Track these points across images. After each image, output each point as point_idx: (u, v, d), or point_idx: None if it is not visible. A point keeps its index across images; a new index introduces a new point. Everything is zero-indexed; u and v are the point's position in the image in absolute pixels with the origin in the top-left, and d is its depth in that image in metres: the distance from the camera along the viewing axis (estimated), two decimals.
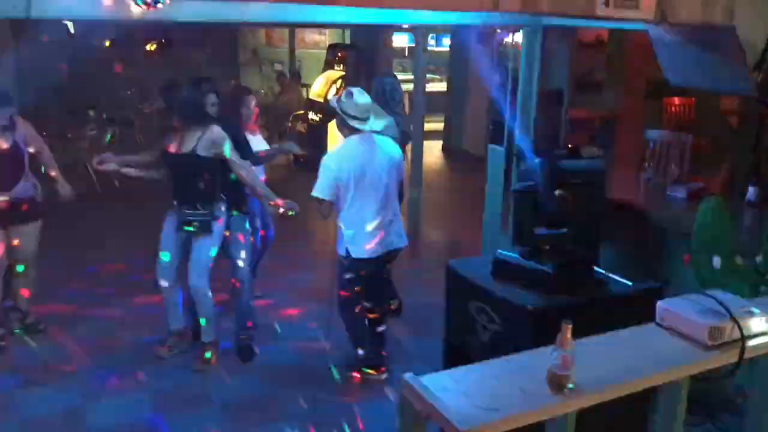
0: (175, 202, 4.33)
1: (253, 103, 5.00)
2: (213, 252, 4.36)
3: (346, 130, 4.03)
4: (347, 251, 4.08)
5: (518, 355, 2.60)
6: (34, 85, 10.11)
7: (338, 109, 4.01)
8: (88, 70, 14.06)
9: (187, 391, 4.25)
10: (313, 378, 4.36)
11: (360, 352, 4.33)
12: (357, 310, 4.22)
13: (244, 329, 4.68)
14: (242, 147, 4.47)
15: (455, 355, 3.61)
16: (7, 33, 8.35)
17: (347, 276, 4.17)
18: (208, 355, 4.49)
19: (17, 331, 4.82)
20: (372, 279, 4.21)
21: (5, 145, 4.48)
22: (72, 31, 13.97)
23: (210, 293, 4.39)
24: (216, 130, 4.21)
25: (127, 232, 7.00)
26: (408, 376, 2.40)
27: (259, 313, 4.93)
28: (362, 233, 4.03)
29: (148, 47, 16.50)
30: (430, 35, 11.44)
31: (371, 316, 4.28)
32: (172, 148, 4.25)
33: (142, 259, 6.15)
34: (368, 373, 4.30)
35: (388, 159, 4.12)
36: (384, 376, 4.30)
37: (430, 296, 5.31)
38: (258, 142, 5.02)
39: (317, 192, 3.95)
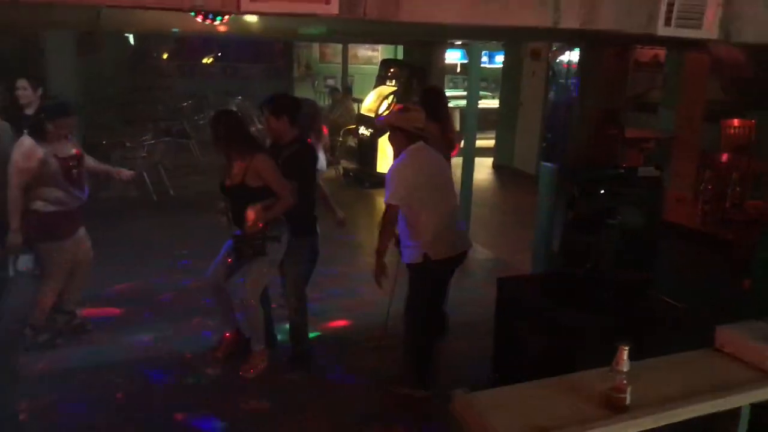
0: (234, 225, 4.38)
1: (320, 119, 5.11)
2: (271, 270, 4.41)
3: (405, 141, 4.08)
4: (425, 256, 4.05)
5: (571, 375, 2.57)
6: (95, 95, 10.49)
7: (398, 124, 4.10)
8: (146, 81, 14.51)
9: (230, 396, 4.28)
10: (358, 393, 4.35)
11: (411, 367, 4.30)
12: (422, 322, 4.21)
13: (294, 340, 4.70)
14: (307, 164, 4.52)
15: (504, 373, 3.58)
16: (73, 45, 8.63)
17: (425, 283, 4.14)
18: (254, 363, 4.53)
19: (62, 332, 4.91)
20: (443, 285, 4.26)
21: (74, 151, 4.63)
22: (132, 43, 14.45)
23: (260, 307, 4.43)
24: (260, 159, 4.26)
25: (179, 240, 7.15)
26: (459, 391, 2.40)
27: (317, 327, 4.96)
28: (440, 236, 4.06)
29: (204, 60, 16.90)
30: (483, 52, 11.42)
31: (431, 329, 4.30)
32: (227, 180, 4.32)
33: (190, 266, 6.40)
34: (414, 391, 4.25)
35: (442, 165, 4.26)
36: (429, 393, 4.25)
37: (476, 313, 5.29)
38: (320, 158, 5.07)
39: (392, 199, 3.99)
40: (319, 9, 2.38)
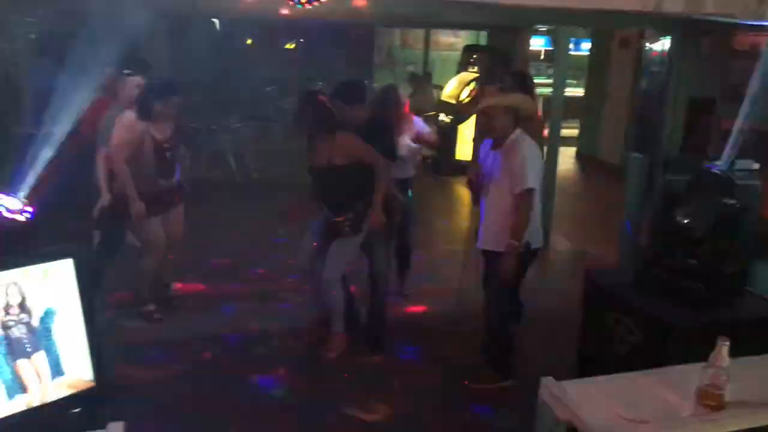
0: (321, 207, 4.46)
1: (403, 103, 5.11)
2: (354, 250, 4.46)
3: (513, 125, 3.98)
4: (527, 244, 3.94)
5: (664, 369, 2.50)
6: (183, 78, 10.83)
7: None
8: (231, 65, 14.87)
9: (313, 381, 4.37)
10: (436, 380, 4.36)
11: (498, 357, 4.26)
12: (509, 311, 4.20)
13: (376, 323, 4.74)
14: (386, 149, 4.51)
15: (589, 366, 3.52)
16: (166, 29, 8.92)
17: (516, 272, 4.00)
18: (334, 345, 4.59)
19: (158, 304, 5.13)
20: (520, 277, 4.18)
21: (169, 133, 4.78)
22: (218, 28, 14.82)
23: (341, 288, 4.48)
24: (343, 137, 4.27)
25: (262, 220, 7.32)
26: (548, 380, 2.37)
27: (394, 311, 5.00)
28: (536, 224, 4.01)
29: (287, 46, 17.17)
30: (570, 39, 11.15)
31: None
32: (311, 161, 4.37)
33: (273, 246, 6.56)
34: (495, 380, 4.24)
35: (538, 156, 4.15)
36: (509, 383, 4.22)
37: (557, 305, 5.21)
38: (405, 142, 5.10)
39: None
40: None
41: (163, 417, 3.76)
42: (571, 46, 13.37)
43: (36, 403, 1.79)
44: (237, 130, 9.92)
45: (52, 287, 1.84)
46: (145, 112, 4.60)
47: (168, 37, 8.94)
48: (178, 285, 5.36)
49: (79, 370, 1.87)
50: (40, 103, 8.43)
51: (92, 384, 1.88)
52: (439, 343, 4.81)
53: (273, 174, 9.71)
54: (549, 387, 2.33)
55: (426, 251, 6.46)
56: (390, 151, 4.62)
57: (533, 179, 3.84)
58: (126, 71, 5.20)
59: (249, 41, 16.97)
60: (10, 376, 1.75)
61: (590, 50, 12.47)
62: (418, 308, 5.44)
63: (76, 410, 1.89)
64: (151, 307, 4.99)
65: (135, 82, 4.87)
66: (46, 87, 8.51)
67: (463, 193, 9.06)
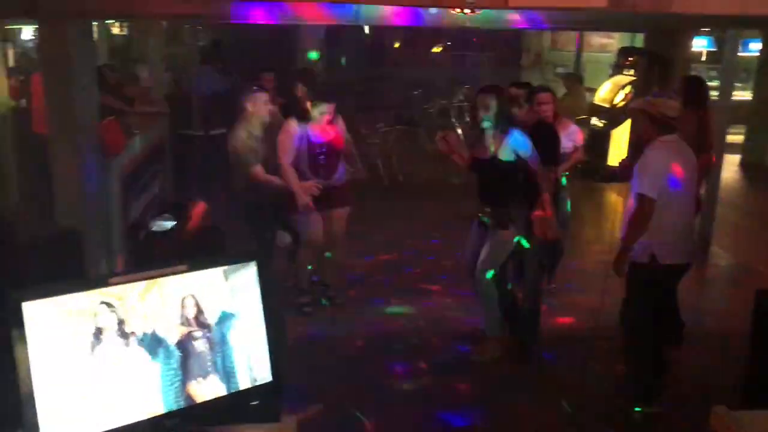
0: (480, 202, 4.51)
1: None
2: (506, 249, 4.45)
3: (652, 130, 3.85)
4: (653, 257, 3.83)
5: None
6: (335, 83, 11.23)
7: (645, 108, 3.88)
8: (379, 70, 15.22)
9: (457, 383, 4.39)
10: (587, 396, 4.24)
11: (636, 376, 4.08)
12: (642, 327, 4.00)
13: (526, 333, 4.69)
14: (548, 148, 4.49)
15: (761, 393, 3.27)
16: (322, 37, 9.29)
17: (644, 285, 3.92)
18: (485, 348, 4.59)
19: (324, 302, 5.36)
20: (666, 291, 4.03)
21: (332, 135, 5.00)
22: (367, 33, 15.23)
23: (495, 290, 4.47)
24: (516, 134, 4.29)
25: (412, 222, 7.45)
26: (721, 408, 2.25)
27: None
28: (672, 239, 3.83)
29: (433, 49, 17.31)
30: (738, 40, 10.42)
31: (660, 339, 4.05)
32: (477, 153, 4.43)
33: (423, 247, 6.66)
34: (642, 406, 3.97)
35: (692, 165, 3.92)
36: (657, 409, 3.96)
37: (720, 323, 4.91)
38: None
39: (650, 191, 3.74)
40: (588, 1, 2.34)
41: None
42: (739, 47, 12.60)
43: (219, 393, 1.93)
44: (385, 134, 10.13)
45: (236, 289, 1.98)
46: (302, 117, 4.85)
47: (324, 45, 9.31)
48: (338, 284, 5.57)
49: (258, 366, 1.99)
50: (206, 107, 9.10)
51: (270, 379, 2.00)
52: (590, 356, 4.66)
53: (419, 177, 9.84)
54: (721, 416, 2.21)
55: (576, 260, 6.30)
56: (553, 155, 4.58)
57: (647, 186, 3.71)
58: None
59: (396, 45, 17.30)
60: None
61: (761, 51, 11.59)
62: (567, 319, 5.32)
63: (255, 403, 2.02)
64: (307, 299, 5.23)
65: (299, 90, 5.14)
66: (211, 92, 9.17)
67: (616, 200, 8.74)
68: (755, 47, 12.01)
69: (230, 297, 1.97)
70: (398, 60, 16.34)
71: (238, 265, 2.00)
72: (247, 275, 2.00)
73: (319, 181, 4.97)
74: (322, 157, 4.99)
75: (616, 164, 9.50)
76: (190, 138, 9.08)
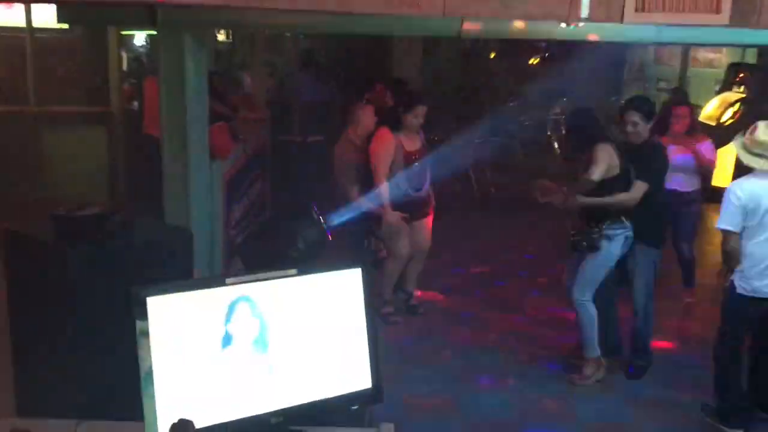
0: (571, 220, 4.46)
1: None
2: (600, 270, 4.35)
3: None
4: (733, 284, 3.78)
5: None
6: (432, 93, 11.25)
7: (739, 144, 3.74)
8: (475, 81, 15.12)
9: (548, 401, 4.31)
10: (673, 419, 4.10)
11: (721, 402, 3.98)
12: (725, 354, 3.90)
13: (638, 355, 4.60)
14: (644, 167, 4.35)
15: None
16: (419, 47, 9.33)
17: (727, 312, 3.90)
18: (585, 370, 4.51)
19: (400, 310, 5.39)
20: (761, 323, 3.86)
21: (420, 145, 5.05)
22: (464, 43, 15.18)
23: (592, 309, 4.38)
24: (597, 149, 4.19)
25: (501, 239, 7.38)
26: None
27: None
28: (757, 271, 3.69)
29: (531, 61, 17.04)
30: None
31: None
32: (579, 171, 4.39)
33: (515, 263, 6.58)
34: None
35: None
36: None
37: None
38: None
39: (722, 224, 3.72)
40: (709, 19, 2.27)
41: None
42: None
43: (323, 396, 1.98)
44: (480, 146, 10.05)
45: (341, 295, 2.04)
46: (394, 124, 4.91)
47: (420, 54, 9.36)
48: (419, 293, 5.60)
49: (359, 372, 2.03)
50: (304, 114, 9.34)
51: (370, 386, 2.04)
52: (698, 381, 4.48)
53: (512, 191, 9.74)
54: None
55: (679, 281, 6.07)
56: (653, 178, 4.41)
57: (729, 221, 3.68)
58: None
59: (492, 55, 17.15)
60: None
61: None
62: (669, 343, 5.15)
63: (355, 408, 2.06)
64: (391, 309, 5.27)
65: (391, 99, 5.21)
66: (309, 99, 9.41)
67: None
68: None
69: (336, 302, 2.03)
70: (494, 71, 16.18)
71: (344, 271, 2.05)
72: (353, 282, 2.05)
73: (414, 190, 5.01)
74: (416, 165, 5.03)
75: (721, 185, 9.14)
76: (289, 144, 9.34)
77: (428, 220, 5.30)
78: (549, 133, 12.45)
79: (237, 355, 1.86)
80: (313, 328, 1.98)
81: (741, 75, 9.74)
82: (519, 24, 3.62)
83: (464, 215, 8.30)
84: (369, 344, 2.06)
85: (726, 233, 3.71)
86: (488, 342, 5.07)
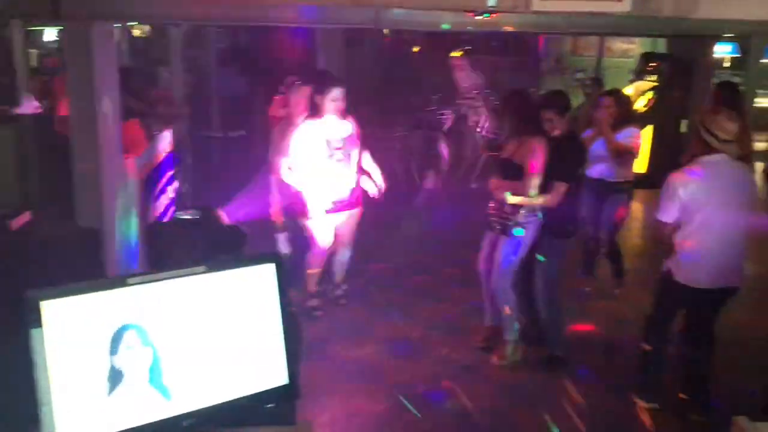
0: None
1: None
2: (514, 257, 4.42)
3: (699, 147, 3.72)
4: (669, 272, 3.84)
5: None
6: (355, 87, 11.22)
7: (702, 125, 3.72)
8: (398, 74, 15.18)
9: (472, 388, 4.37)
10: (617, 410, 4.19)
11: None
12: (657, 339, 4.00)
13: (548, 343, 4.68)
14: (563, 159, 4.43)
15: None
16: (342, 40, 9.28)
17: (662, 299, 3.98)
18: (503, 352, 4.58)
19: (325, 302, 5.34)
20: (694, 313, 3.94)
21: (348, 132, 5.00)
22: (386, 37, 15.22)
23: (510, 294, 4.46)
24: (534, 141, 4.25)
25: (428, 228, 7.42)
26: (741, 419, 2.21)
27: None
28: (694, 260, 3.73)
29: (452, 54, 17.23)
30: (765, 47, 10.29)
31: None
32: (502, 152, 4.44)
33: (438, 253, 6.64)
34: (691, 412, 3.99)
35: (738, 186, 3.74)
36: (702, 418, 3.92)
37: (748, 333, 4.85)
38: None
39: (661, 215, 3.77)
40: (611, 7, 2.31)
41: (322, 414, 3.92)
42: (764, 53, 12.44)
43: (236, 395, 1.93)
44: (404, 139, 10.10)
45: (254, 290, 1.98)
46: (314, 114, 4.85)
47: (342, 47, 9.28)
48: (344, 285, 5.57)
49: (275, 369, 1.99)
50: (225, 109, 9.16)
51: (286, 382, 2.00)
52: (621, 367, 4.60)
53: (438, 182, 9.82)
54: (742, 427, 2.17)
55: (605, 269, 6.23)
56: (568, 172, 4.49)
57: (668, 213, 3.71)
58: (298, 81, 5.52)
59: (416, 49, 17.26)
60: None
61: None
62: (590, 326, 5.28)
63: (270, 405, 2.01)
64: (315, 302, 5.23)
65: (306, 92, 5.15)
66: (230, 94, 9.23)
67: (636, 208, 8.65)
68: None
69: (248, 298, 1.97)
70: (417, 64, 16.28)
71: (258, 266, 2.00)
72: (266, 276, 2.00)
73: (338, 182, 4.96)
74: (341, 154, 4.97)
75: (639, 171, 9.46)
76: (210, 140, 9.15)
77: (355, 212, 5.26)
78: (474, 125, 12.59)
79: (140, 357, 1.78)
80: (223, 326, 1.92)
81: (653, 64, 10.08)
82: (434, 15, 3.62)
83: (389, 207, 8.31)
84: (284, 340, 2.01)
85: (661, 224, 3.78)
86: (411, 332, 5.08)
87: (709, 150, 3.63)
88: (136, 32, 13.65)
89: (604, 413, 4.07)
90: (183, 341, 1.84)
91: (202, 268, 1.88)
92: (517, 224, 4.33)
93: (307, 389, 3.95)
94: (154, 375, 1.79)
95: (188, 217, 2.57)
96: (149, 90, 8.23)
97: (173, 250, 2.11)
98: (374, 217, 7.56)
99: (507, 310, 4.51)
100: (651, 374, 4.11)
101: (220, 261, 1.95)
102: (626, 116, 5.52)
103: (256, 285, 1.98)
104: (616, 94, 5.71)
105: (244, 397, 1.94)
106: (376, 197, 5.31)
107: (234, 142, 8.99)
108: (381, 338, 4.97)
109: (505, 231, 4.37)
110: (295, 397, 2.04)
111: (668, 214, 3.71)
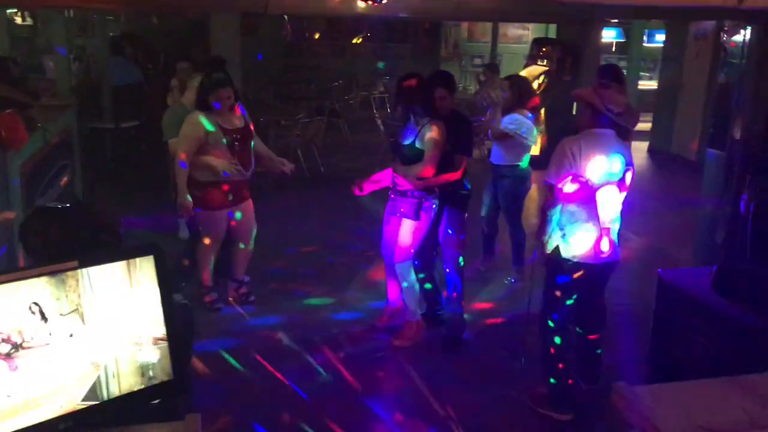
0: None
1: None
2: (413, 237, 4.46)
3: (590, 121, 3.71)
4: (555, 250, 3.78)
5: (743, 377, 2.42)
6: (254, 74, 11.03)
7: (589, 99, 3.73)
8: (300, 61, 15.07)
9: (378, 370, 4.42)
10: (508, 379, 4.30)
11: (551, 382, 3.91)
12: (548, 321, 3.88)
13: (452, 322, 4.76)
14: (459, 134, 4.52)
15: (664, 370, 3.42)
16: (237, 26, 9.09)
17: (551, 278, 3.86)
18: (405, 333, 4.64)
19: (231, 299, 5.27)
20: (580, 288, 3.85)
21: (240, 126, 4.89)
22: (288, 26, 15.06)
23: (409, 275, 4.51)
24: (432, 127, 4.30)
25: (331, 214, 7.41)
26: (620, 385, 2.33)
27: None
28: (580, 235, 3.71)
29: (354, 41, 17.24)
30: (644, 31, 10.84)
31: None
32: (399, 137, 4.46)
33: (342, 239, 6.66)
34: (553, 412, 3.86)
35: (626, 161, 3.77)
36: (569, 417, 3.80)
37: (630, 305, 5.08)
38: None
39: (551, 178, 3.68)
40: None
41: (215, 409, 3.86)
42: (644, 38, 13.13)
43: (117, 393, 1.86)
44: (306, 125, 10.03)
45: (135, 283, 1.92)
46: (204, 107, 4.74)
47: (239, 34, 9.09)
48: (249, 280, 5.47)
49: (158, 364, 1.93)
50: (118, 99, 8.80)
51: (171, 377, 1.95)
52: (514, 342, 4.71)
53: (341, 168, 9.83)
54: (621, 392, 2.29)
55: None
56: (463, 145, 4.60)
57: (557, 175, 3.63)
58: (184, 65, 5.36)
59: (317, 36, 17.16)
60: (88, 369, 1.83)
61: (665, 42, 12.10)
62: (486, 305, 5.41)
63: (156, 402, 1.96)
64: (214, 296, 5.12)
65: (198, 79, 5.03)
66: (123, 83, 8.87)
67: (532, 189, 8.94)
68: (661, 38, 12.52)
69: (126, 292, 1.90)
70: (318, 51, 16.21)
71: (136, 260, 1.93)
72: (145, 270, 1.94)
73: (237, 170, 4.85)
74: (237, 144, 4.86)
75: (533, 153, 9.78)
76: (100, 131, 8.78)
77: (251, 203, 5.16)
78: (375, 111, 12.68)
79: (10, 360, 1.69)
80: (99, 322, 1.85)
81: (544, 49, 10.41)
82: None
83: (293, 195, 8.25)
84: (168, 334, 1.95)
85: (550, 187, 3.71)
86: (320, 319, 5.08)
87: (599, 123, 3.69)
88: (18, 20, 12.91)
89: (500, 395, 4.15)
90: (57, 340, 1.76)
91: (73, 264, 1.80)
92: (418, 206, 4.39)
93: (204, 382, 3.95)
94: (22, 379, 1.70)
95: (53, 206, 2.43)
96: (34, 81, 7.82)
97: (39, 243, 2.00)
98: (275, 207, 7.55)
99: (408, 291, 4.57)
100: (562, 378, 3.84)
101: (94, 255, 1.87)
102: (520, 101, 5.58)
103: (137, 278, 1.91)
104: (514, 79, 5.83)
105: (126, 395, 1.88)
106: (287, 174, 5.24)
107: (127, 133, 8.67)
108: (283, 326, 4.93)
109: (407, 213, 4.42)
110: (181, 391, 1.99)
111: (558, 177, 3.65)
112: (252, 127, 5.04)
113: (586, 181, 3.61)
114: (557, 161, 3.65)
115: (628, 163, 3.74)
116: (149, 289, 1.93)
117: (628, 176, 3.74)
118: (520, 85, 5.78)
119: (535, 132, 5.67)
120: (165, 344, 1.94)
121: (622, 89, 3.76)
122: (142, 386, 1.90)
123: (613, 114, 3.63)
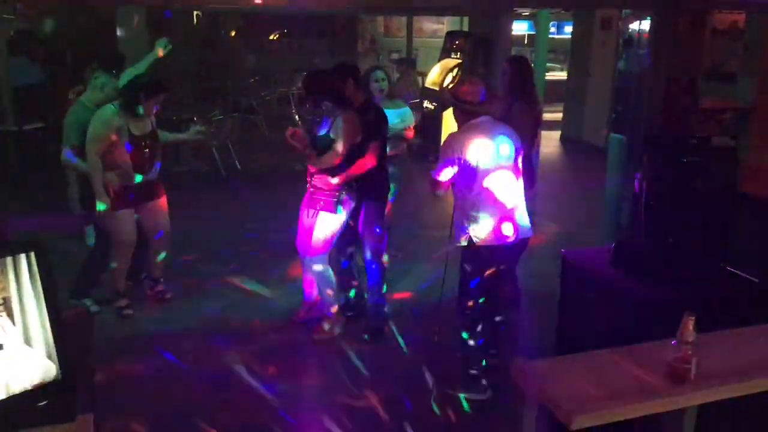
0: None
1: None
2: (329, 232, 4.45)
3: (461, 116, 3.85)
4: (470, 240, 3.80)
5: (634, 346, 2.52)
6: (164, 71, 10.74)
7: (449, 97, 3.93)
8: (215, 58, 14.80)
9: (299, 363, 4.40)
10: (426, 363, 4.35)
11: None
12: (468, 308, 3.92)
13: (373, 313, 4.77)
14: (370, 122, 4.51)
15: (569, 344, 3.54)
16: (144, 22, 8.86)
17: (469, 267, 3.88)
18: (323, 326, 4.63)
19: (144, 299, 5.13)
20: (498, 271, 3.93)
21: (150, 128, 4.77)
22: (197, 21, 14.75)
23: (325, 269, 4.50)
24: (344, 117, 4.30)
25: (247, 212, 7.32)
26: (519, 359, 2.39)
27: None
28: (489, 220, 3.76)
29: (270, 37, 17.07)
30: (551, 22, 11.14)
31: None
32: (315, 131, 4.43)
33: (258, 237, 6.58)
34: (471, 392, 3.95)
35: (514, 142, 3.88)
36: (486, 396, 3.92)
37: (542, 286, 5.23)
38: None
39: (438, 174, 3.79)
40: None
41: (135, 412, 3.77)
42: (553, 29, 13.53)
43: (1, 395, 1.78)
44: (221, 123, 9.87)
45: (17, 281, 1.84)
46: (128, 109, 4.59)
47: (147, 30, 8.85)
48: (164, 279, 5.34)
49: (43, 365, 1.86)
50: (19, 100, 8.41)
51: (58, 377, 1.87)
52: (428, 329, 4.76)
53: (258, 165, 9.71)
54: (520, 365, 2.35)
55: (408, 240, 6.45)
56: (376, 130, 4.58)
57: (444, 172, 3.76)
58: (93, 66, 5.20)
59: (233, 33, 16.89)
60: None
61: (572, 33, 12.48)
62: (404, 294, 5.45)
63: (43, 403, 1.88)
64: (124, 301, 4.98)
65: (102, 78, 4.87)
66: (24, 83, 8.48)
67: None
68: (570, 30, 12.91)
69: (10, 291, 1.82)
70: (234, 47, 15.97)
71: (19, 257, 1.85)
72: (27, 268, 1.86)
73: (143, 174, 4.74)
74: (146, 151, 4.75)
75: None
76: (2, 134, 8.39)
77: (162, 202, 5.04)
78: (294, 107, 12.60)
79: None
80: None
81: (457, 42, 10.56)
82: None
83: (209, 192, 8.11)
84: (53, 333, 1.88)
85: (437, 184, 3.84)
86: (236, 315, 5.01)
87: (471, 115, 3.79)
88: None
89: (420, 382, 4.19)
90: None
91: None
92: (337, 200, 4.37)
93: (113, 384, 3.83)
94: None
95: None
96: None
97: None
98: (191, 205, 7.39)
99: (324, 284, 4.56)
100: (475, 360, 3.92)
101: None
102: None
103: (17, 277, 1.83)
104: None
105: (10, 397, 1.79)
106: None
107: (30, 136, 8.30)
108: (200, 329, 4.83)
109: (325, 207, 4.40)
110: (69, 391, 1.92)
111: (445, 175, 3.76)
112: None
113: (476, 167, 3.69)
114: (441, 155, 3.78)
115: (513, 142, 3.83)
116: (32, 287, 1.85)
117: (516, 154, 3.83)
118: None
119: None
120: (52, 343, 1.87)
121: (475, 79, 3.99)
122: (28, 388, 1.82)
123: (472, 105, 3.76)
